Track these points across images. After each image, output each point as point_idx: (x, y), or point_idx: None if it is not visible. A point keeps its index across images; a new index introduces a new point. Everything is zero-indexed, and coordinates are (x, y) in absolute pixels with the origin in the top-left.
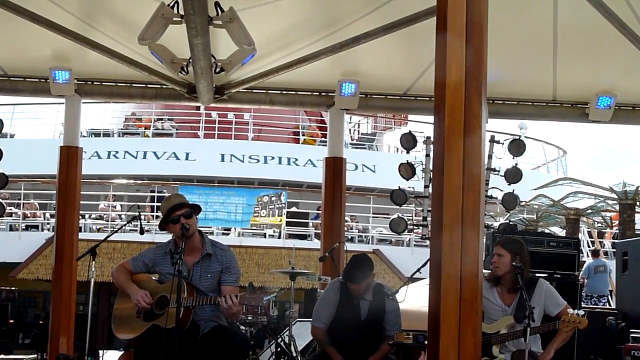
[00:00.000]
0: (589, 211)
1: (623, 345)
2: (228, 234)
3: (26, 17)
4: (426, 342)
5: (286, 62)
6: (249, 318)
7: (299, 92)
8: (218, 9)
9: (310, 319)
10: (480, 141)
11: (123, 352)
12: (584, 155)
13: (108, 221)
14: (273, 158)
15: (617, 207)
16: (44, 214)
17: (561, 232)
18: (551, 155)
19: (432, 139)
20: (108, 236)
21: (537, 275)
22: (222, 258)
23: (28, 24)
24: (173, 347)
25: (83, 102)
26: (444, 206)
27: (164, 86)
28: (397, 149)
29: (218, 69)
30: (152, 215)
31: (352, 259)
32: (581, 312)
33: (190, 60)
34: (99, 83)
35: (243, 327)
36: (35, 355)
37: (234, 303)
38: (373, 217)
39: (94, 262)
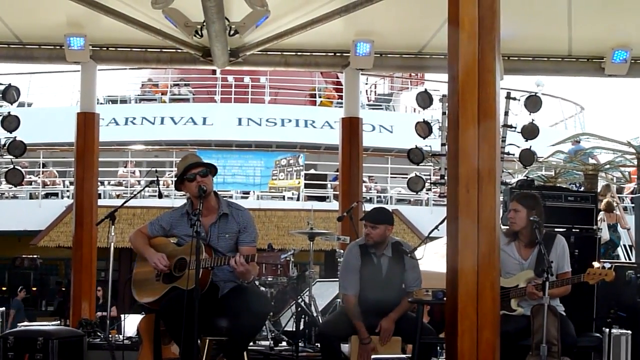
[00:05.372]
0: (607, 166)
1: None
2: (247, 198)
3: None
4: (445, 298)
5: (300, 23)
6: (269, 279)
7: (314, 53)
8: None
9: (330, 279)
10: (494, 95)
11: (144, 315)
12: (601, 110)
13: (127, 187)
14: (290, 120)
15: (636, 162)
16: (63, 181)
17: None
18: (569, 112)
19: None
20: (126, 201)
21: (555, 230)
22: (239, 218)
23: None
24: (193, 309)
25: (99, 69)
26: (459, 161)
27: (179, 50)
28: (414, 109)
29: (232, 32)
30: (171, 180)
31: (374, 208)
32: (607, 265)
33: (204, 24)
34: (114, 49)
35: (263, 288)
36: (59, 322)
37: (241, 263)
38: (391, 177)
39: (113, 227)
